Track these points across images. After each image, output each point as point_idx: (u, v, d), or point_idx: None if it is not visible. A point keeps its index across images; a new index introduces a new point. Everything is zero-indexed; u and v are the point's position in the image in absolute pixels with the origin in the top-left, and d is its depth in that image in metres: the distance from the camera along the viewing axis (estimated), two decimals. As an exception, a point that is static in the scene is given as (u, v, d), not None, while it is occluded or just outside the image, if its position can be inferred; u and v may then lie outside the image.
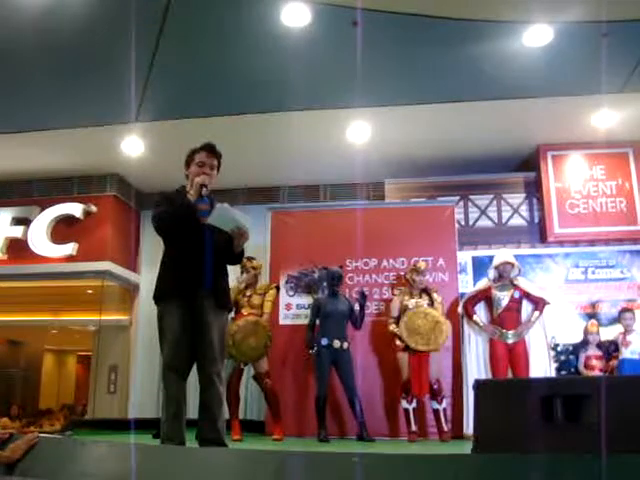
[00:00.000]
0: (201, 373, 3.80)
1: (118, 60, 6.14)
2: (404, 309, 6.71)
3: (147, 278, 9.68)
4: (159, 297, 3.86)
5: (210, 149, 3.97)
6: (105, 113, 7.34)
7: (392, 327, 6.70)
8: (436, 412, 6.47)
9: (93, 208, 9.08)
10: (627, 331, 6.98)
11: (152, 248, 9.64)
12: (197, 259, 3.77)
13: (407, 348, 6.55)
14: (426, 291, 6.83)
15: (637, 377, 5.18)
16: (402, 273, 7.43)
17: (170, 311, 3.76)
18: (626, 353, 6.85)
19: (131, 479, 2.84)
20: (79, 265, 8.89)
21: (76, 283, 9.58)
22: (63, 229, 9.08)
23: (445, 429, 6.38)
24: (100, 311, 9.35)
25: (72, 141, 8.13)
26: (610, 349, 7.00)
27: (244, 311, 6.39)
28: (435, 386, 6.46)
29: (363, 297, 6.64)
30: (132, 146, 7.97)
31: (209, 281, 3.79)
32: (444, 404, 6.48)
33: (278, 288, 7.01)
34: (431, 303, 6.74)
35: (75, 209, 9.03)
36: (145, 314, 9.57)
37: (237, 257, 3.99)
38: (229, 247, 3.86)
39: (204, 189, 3.83)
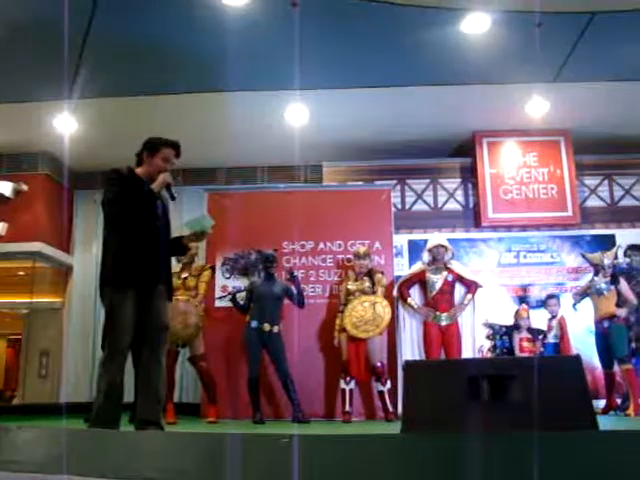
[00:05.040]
0: (149, 354, 3.83)
1: (51, 35, 5.93)
2: (348, 294, 6.81)
3: (81, 259, 9.48)
4: (113, 284, 3.80)
5: (178, 149, 4.15)
6: (37, 89, 7.11)
7: (338, 321, 6.79)
8: (381, 393, 6.55)
9: (24, 187, 8.81)
10: (552, 317, 7.27)
11: (86, 229, 9.46)
12: (155, 249, 3.88)
13: (345, 330, 6.62)
14: (370, 274, 6.89)
15: (557, 357, 5.38)
16: (339, 256, 7.47)
17: (122, 298, 3.75)
18: (549, 338, 7.14)
19: (62, 464, 2.79)
20: (9, 246, 8.63)
21: (6, 264, 9.34)
22: (-8, 208, 8.80)
23: (390, 409, 6.47)
24: (31, 293, 9.11)
25: (1, 118, 7.86)
26: (539, 334, 7.22)
27: (179, 293, 6.27)
28: (379, 369, 6.54)
29: (292, 276, 6.70)
30: (65, 124, 7.73)
31: (164, 271, 3.97)
32: (388, 385, 6.56)
33: (213, 269, 6.96)
34: (372, 285, 6.80)
35: (5, 188, 8.72)
36: (79, 296, 9.38)
37: (184, 249, 4.30)
38: (179, 240, 4.12)
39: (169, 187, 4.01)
